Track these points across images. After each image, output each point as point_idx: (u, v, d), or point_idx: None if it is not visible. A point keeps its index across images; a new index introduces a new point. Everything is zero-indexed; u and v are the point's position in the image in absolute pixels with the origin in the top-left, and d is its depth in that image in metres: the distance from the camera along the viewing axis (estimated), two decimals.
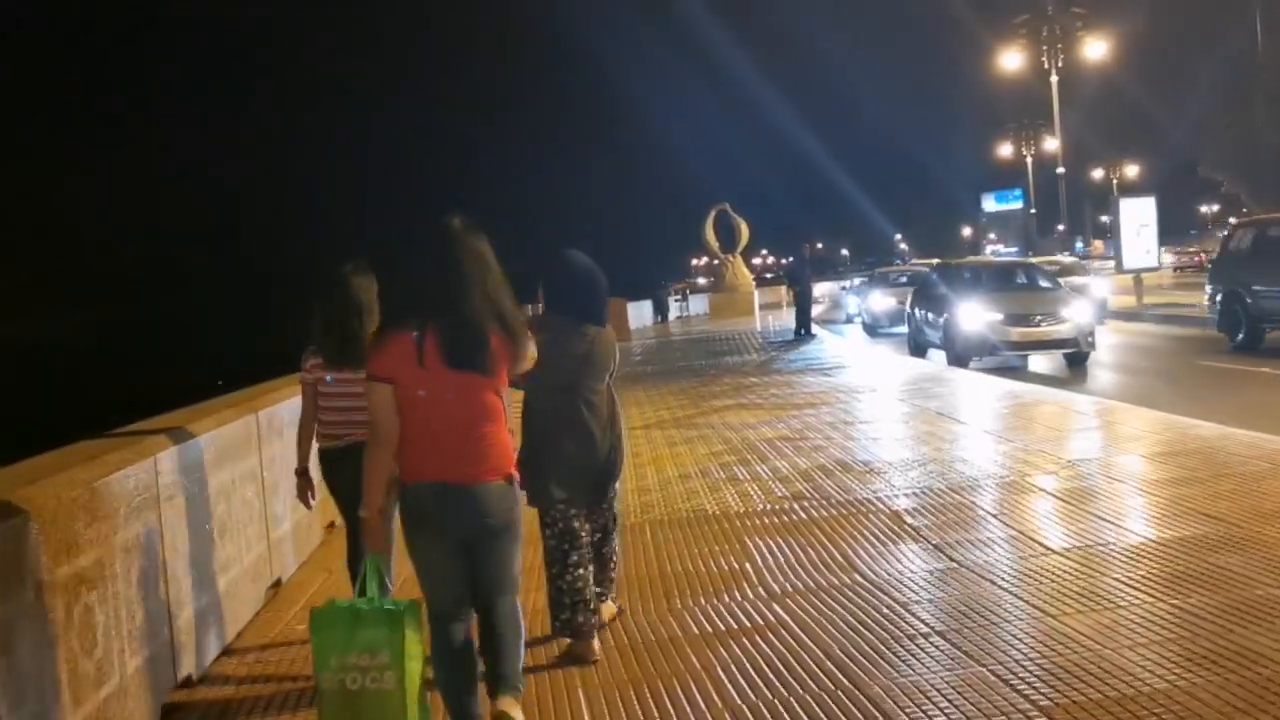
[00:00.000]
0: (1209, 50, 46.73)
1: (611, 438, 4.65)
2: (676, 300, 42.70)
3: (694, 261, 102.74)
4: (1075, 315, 15.34)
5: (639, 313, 36.11)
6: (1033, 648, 4.14)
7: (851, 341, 22.34)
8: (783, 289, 57.09)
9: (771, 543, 6.02)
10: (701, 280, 77.80)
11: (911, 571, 5.26)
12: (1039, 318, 15.32)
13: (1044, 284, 17.47)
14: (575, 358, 4.52)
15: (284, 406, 6.39)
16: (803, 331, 22.62)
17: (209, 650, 4.77)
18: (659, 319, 38.61)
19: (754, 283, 39.49)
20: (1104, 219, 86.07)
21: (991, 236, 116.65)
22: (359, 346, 4.18)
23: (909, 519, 6.27)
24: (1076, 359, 15.43)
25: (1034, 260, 26.70)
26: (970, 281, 17.51)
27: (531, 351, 3.65)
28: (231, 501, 5.29)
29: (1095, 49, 34.45)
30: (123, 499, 3.93)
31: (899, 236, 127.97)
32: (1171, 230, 38.44)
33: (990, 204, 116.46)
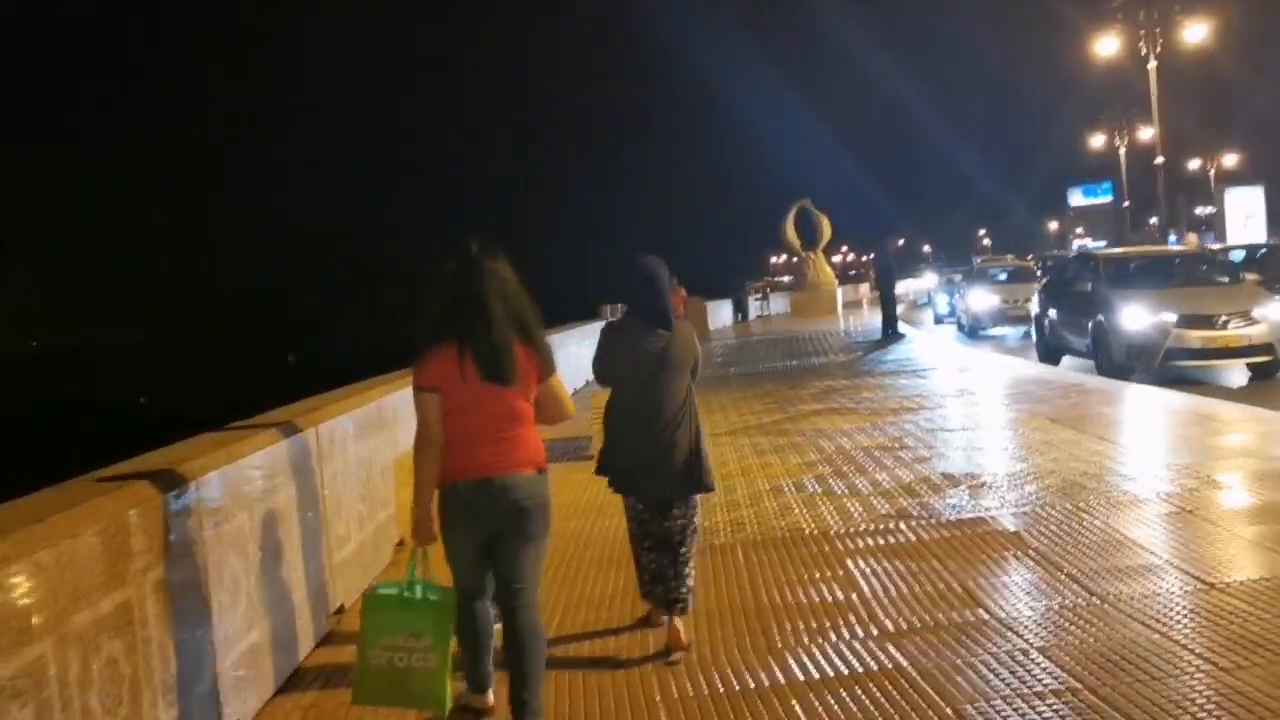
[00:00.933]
0: None
1: (692, 436, 4.68)
2: (756, 299, 41.93)
3: (773, 259, 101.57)
4: (1271, 314, 12.46)
5: (719, 312, 35.47)
6: (1206, 710, 3.49)
7: (944, 343, 21.28)
8: (864, 287, 56.08)
9: (879, 569, 5.42)
10: (784, 278, 76.79)
11: (1046, 608, 4.61)
12: (1226, 318, 12.34)
13: (1222, 277, 14.34)
14: (650, 357, 4.65)
15: (347, 420, 5.97)
16: (890, 331, 21.83)
17: (260, 693, 4.34)
18: (739, 318, 37.92)
19: (836, 281, 38.65)
20: (1199, 211, 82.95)
21: (1079, 231, 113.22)
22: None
23: (1033, 542, 5.60)
24: (1267, 369, 12.44)
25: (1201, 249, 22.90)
26: (1126, 274, 14.30)
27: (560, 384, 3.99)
28: (288, 527, 4.85)
29: (1195, 32, 32.76)
30: (155, 532, 3.50)
31: (982, 232, 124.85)
32: (1274, 221, 36.40)
33: (1077, 198, 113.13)
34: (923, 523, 6.26)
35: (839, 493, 7.30)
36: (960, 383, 13.29)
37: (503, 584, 3.82)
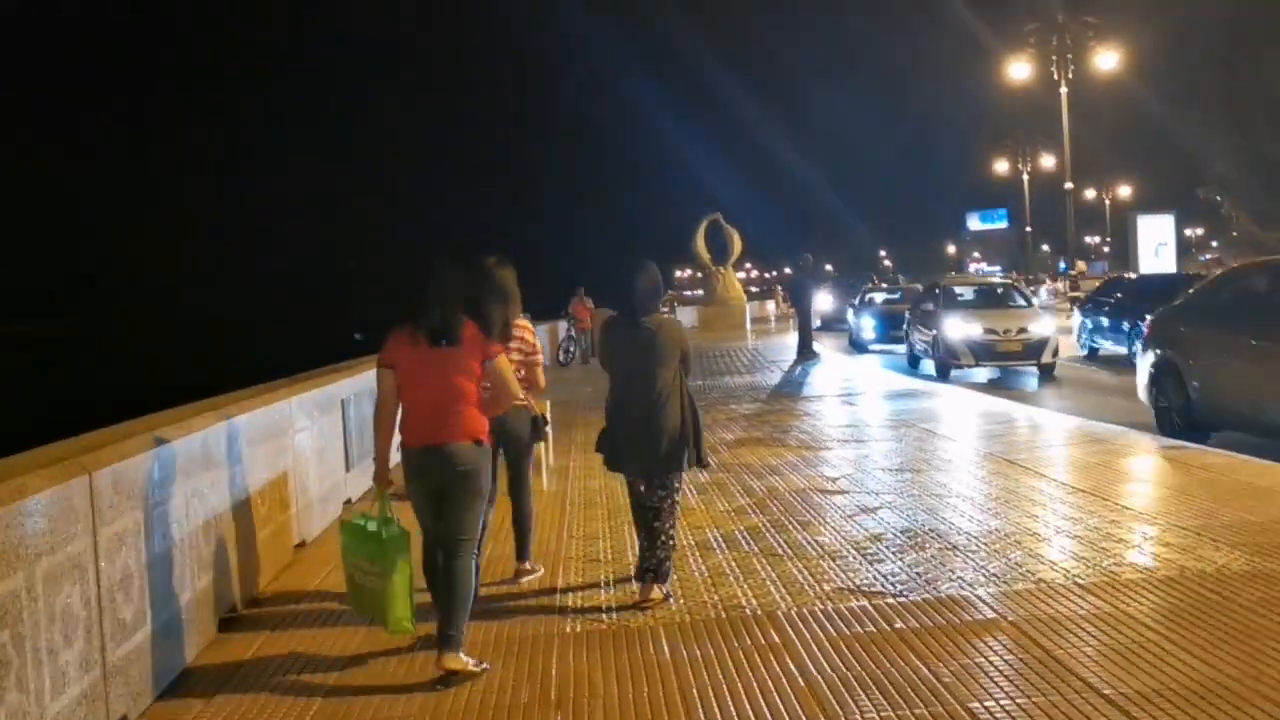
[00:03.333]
0: (1212, 72, 45.81)
1: (683, 418, 5.17)
2: (665, 311, 40.58)
3: (678, 273, 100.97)
4: None
5: None
6: None
7: (872, 368, 19.98)
8: (770, 304, 55.20)
9: (849, 674, 4.11)
10: (689, 292, 75.82)
11: None
12: None
13: None
14: (637, 348, 5.18)
15: (146, 460, 4.45)
16: (806, 351, 20.75)
17: None
18: None
19: (745, 296, 37.68)
20: (1089, 240, 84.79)
21: (975, 255, 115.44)
22: (494, 330, 4.83)
23: (1043, 640, 4.36)
24: None
25: None
26: None
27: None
28: (23, 622, 3.34)
29: (1106, 60, 32.76)
30: None
31: (883, 253, 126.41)
32: (1181, 251, 36.45)
33: (975, 223, 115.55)
34: (890, 602, 4.99)
35: (780, 553, 6.00)
36: (894, 412, 12.16)
37: (448, 533, 4.49)
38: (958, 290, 19.34)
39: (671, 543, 5.26)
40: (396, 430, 4.56)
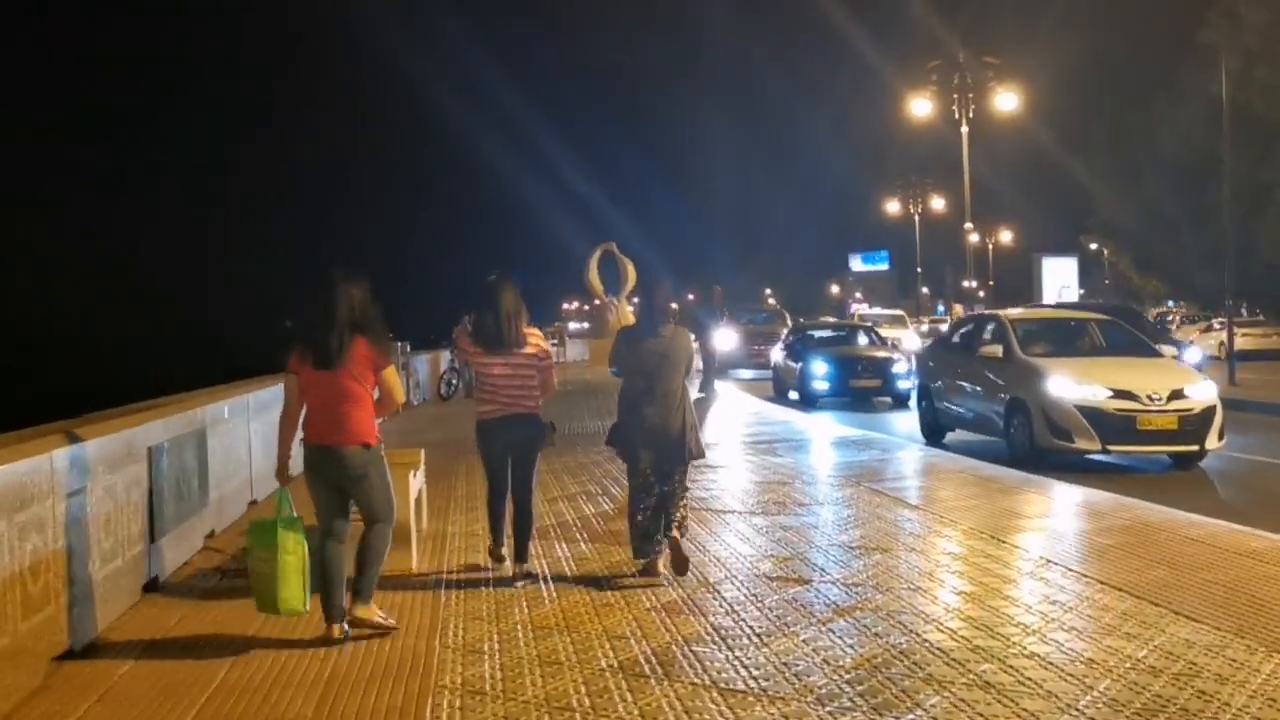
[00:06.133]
0: (1097, 120, 46.69)
1: (684, 420, 6.02)
2: (553, 344, 38.94)
3: (564, 305, 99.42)
4: None
5: None
6: None
7: (785, 408, 18.59)
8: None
9: None
10: (574, 324, 74.13)
11: None
12: None
13: None
14: (654, 355, 6.01)
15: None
16: (707, 390, 19.19)
17: None
18: None
19: None
20: (966, 284, 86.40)
21: (858, 296, 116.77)
22: (505, 339, 5.97)
23: None
24: None
25: None
26: None
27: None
28: None
29: (1006, 102, 32.43)
30: None
31: (769, 291, 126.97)
32: (1023, 297, 35.31)
33: (857, 264, 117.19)
34: None
35: (742, 686, 4.27)
36: (834, 465, 10.58)
37: (365, 516, 5.14)
38: (1026, 326, 12.28)
39: (686, 508, 6.25)
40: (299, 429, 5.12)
